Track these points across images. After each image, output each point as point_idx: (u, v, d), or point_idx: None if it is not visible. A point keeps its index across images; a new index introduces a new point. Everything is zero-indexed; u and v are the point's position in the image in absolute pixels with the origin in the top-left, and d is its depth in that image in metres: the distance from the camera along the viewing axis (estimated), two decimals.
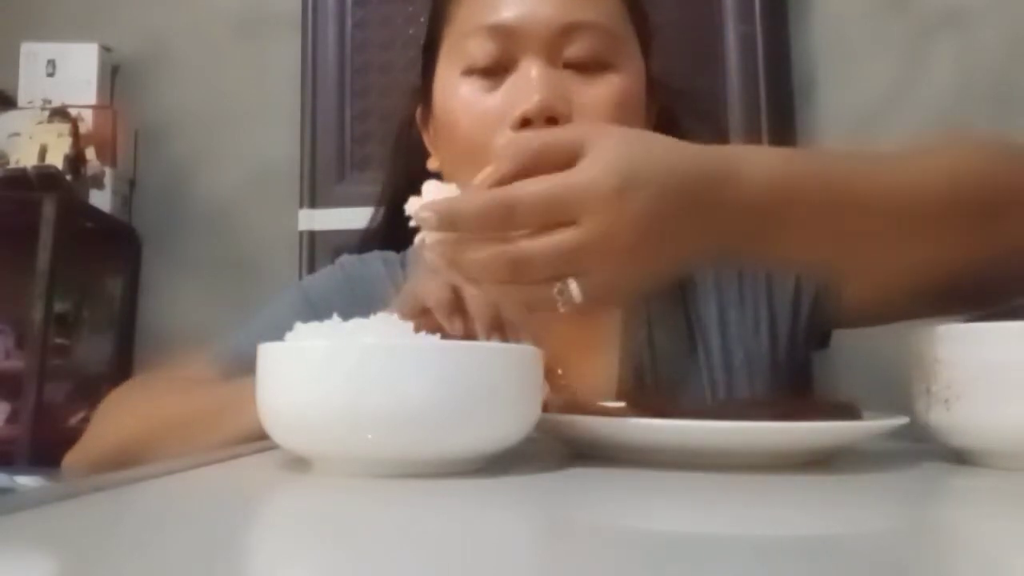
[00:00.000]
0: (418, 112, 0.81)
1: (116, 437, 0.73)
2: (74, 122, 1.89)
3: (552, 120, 0.65)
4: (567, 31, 0.69)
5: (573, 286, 0.47)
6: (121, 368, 1.97)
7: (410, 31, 1.83)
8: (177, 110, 2.06)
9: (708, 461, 0.48)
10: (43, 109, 1.92)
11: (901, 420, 0.52)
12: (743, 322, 0.76)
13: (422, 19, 1.81)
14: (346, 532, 0.35)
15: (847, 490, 0.46)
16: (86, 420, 1.85)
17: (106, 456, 0.71)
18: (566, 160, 0.47)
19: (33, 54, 2.01)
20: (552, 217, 0.46)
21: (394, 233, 0.85)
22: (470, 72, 0.71)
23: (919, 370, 0.52)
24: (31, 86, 1.99)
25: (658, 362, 0.76)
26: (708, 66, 1.68)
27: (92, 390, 1.89)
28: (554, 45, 0.69)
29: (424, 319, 0.54)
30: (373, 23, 1.83)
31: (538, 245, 0.46)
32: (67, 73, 2.00)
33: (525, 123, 0.66)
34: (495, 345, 0.53)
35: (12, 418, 1.76)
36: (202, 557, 0.29)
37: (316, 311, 0.63)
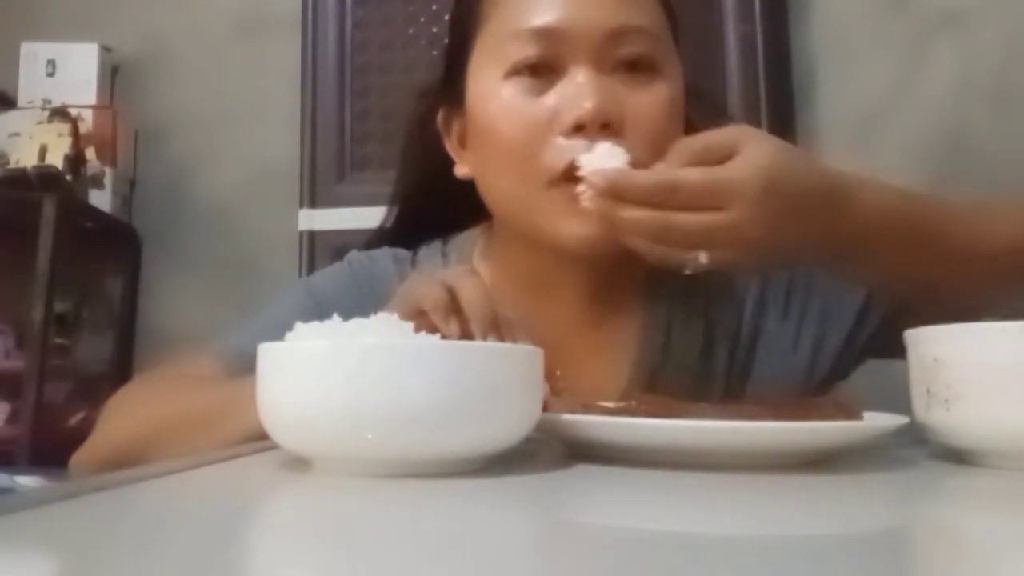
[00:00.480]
0: (440, 115, 0.78)
1: (121, 436, 0.72)
2: (74, 122, 1.89)
3: (605, 126, 0.65)
4: (616, 35, 0.68)
5: (703, 256, 0.58)
6: (121, 368, 1.97)
7: (410, 31, 1.83)
8: (177, 110, 2.06)
9: (708, 461, 0.48)
10: (43, 109, 1.92)
11: (901, 420, 0.52)
12: (781, 335, 0.77)
13: (422, 19, 1.83)
14: (346, 532, 0.35)
15: (847, 490, 0.46)
16: (86, 420, 1.86)
17: (112, 455, 0.71)
18: (721, 157, 0.58)
19: (33, 54, 2.01)
20: (705, 202, 0.57)
21: (406, 234, 0.84)
22: (513, 75, 0.69)
23: (919, 370, 0.52)
24: (31, 86, 1.99)
25: (671, 367, 0.75)
26: (708, 66, 1.68)
27: (92, 390, 1.89)
28: (603, 49, 0.68)
29: (421, 321, 0.54)
30: (373, 23, 1.83)
31: (689, 219, 0.57)
32: (67, 73, 2.00)
33: (578, 129, 0.65)
34: (495, 345, 0.53)
35: (12, 418, 1.76)
36: (202, 557, 0.29)
37: (321, 310, 0.65)
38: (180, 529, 0.35)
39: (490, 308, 0.56)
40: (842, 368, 0.78)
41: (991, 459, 0.50)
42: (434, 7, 1.83)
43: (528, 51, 0.68)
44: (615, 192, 0.58)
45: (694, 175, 0.57)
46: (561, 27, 0.68)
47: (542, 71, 0.68)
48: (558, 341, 0.70)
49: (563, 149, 0.66)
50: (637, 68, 0.69)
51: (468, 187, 0.76)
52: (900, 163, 1.61)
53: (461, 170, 0.77)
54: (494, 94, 0.70)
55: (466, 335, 0.55)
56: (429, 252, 0.82)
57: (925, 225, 0.62)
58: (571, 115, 0.66)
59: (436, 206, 0.83)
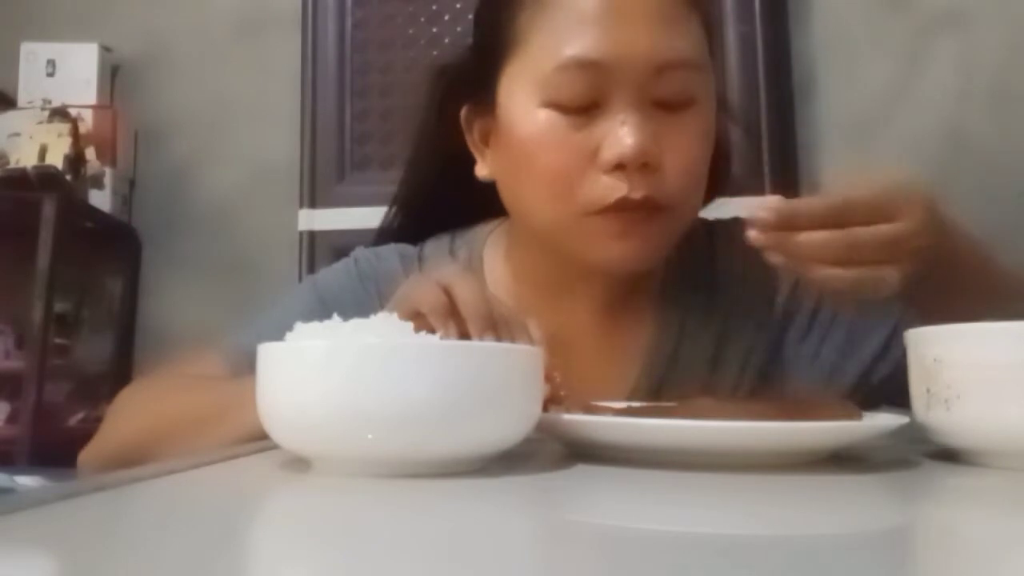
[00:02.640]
0: (464, 112, 0.77)
1: (126, 434, 0.73)
2: (74, 122, 1.89)
3: (645, 165, 0.66)
4: (660, 70, 0.67)
5: (892, 274, 0.57)
6: (121, 368, 1.97)
7: (410, 31, 1.83)
8: (177, 110, 2.06)
9: (708, 461, 0.48)
10: (43, 109, 1.92)
11: (901, 420, 0.52)
12: (799, 355, 0.77)
13: (422, 19, 1.83)
14: (346, 532, 0.35)
15: (847, 490, 0.46)
16: (86, 420, 1.87)
17: (117, 452, 0.71)
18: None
19: (33, 54, 2.01)
20: (879, 215, 0.57)
21: (414, 228, 0.84)
22: (551, 106, 0.68)
23: (919, 370, 0.52)
24: (31, 86, 1.99)
25: (678, 376, 0.75)
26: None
27: (92, 390, 1.89)
28: (645, 84, 0.67)
29: (419, 322, 0.53)
30: (373, 23, 1.83)
31: (874, 231, 0.56)
32: (67, 73, 2.00)
33: (618, 167, 0.66)
34: (495, 345, 0.53)
35: (12, 418, 1.76)
36: (202, 557, 0.29)
37: (326, 308, 0.67)
38: (180, 529, 0.35)
39: (487, 308, 0.56)
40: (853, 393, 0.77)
41: (991, 459, 0.50)
42: (434, 7, 1.83)
43: (570, 86, 0.67)
44: (786, 222, 0.56)
45: (865, 194, 0.58)
46: (607, 61, 0.66)
47: (581, 103, 0.67)
48: (569, 343, 0.73)
49: (605, 187, 0.66)
50: (676, 102, 0.68)
51: (480, 184, 0.76)
52: (900, 163, 1.61)
53: (483, 170, 0.77)
54: (530, 119, 0.69)
55: (463, 337, 0.55)
56: (437, 248, 0.82)
57: (987, 271, 0.65)
58: (613, 154, 0.66)
59: (446, 195, 0.82)
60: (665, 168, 0.67)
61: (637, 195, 0.65)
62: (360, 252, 0.83)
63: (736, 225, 0.79)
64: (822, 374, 0.76)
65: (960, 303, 0.61)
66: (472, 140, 0.77)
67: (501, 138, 0.73)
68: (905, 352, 0.74)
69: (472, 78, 0.76)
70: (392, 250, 0.82)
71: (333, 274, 0.82)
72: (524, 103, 0.69)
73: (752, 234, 0.57)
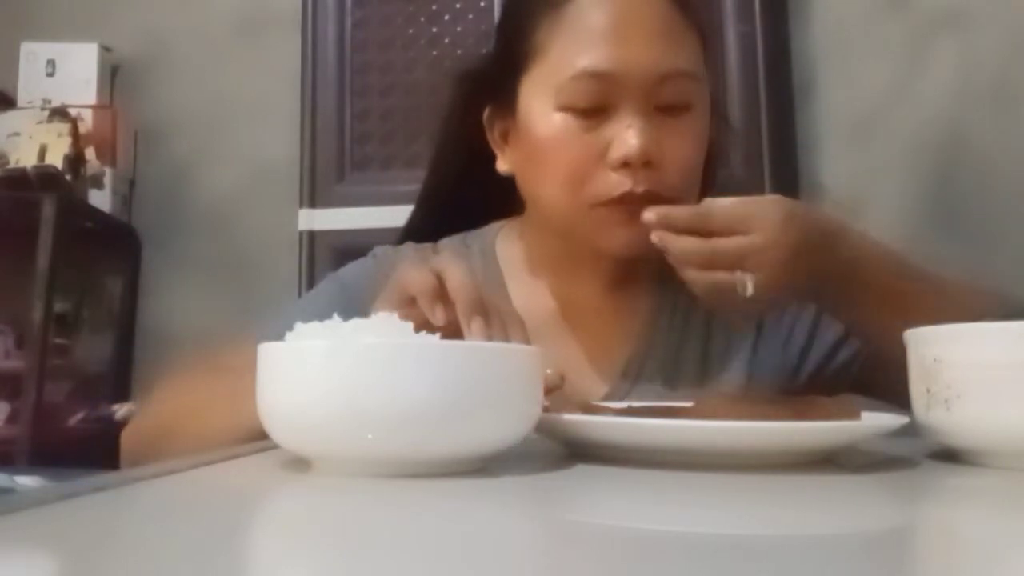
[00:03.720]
0: (486, 112, 0.85)
1: (163, 415, 0.77)
2: (74, 122, 1.89)
3: (647, 163, 0.74)
4: (662, 80, 0.75)
5: (749, 280, 0.65)
6: (121, 368, 1.97)
7: (410, 31, 1.83)
8: (177, 110, 2.06)
9: (708, 461, 0.48)
10: (43, 109, 1.92)
11: (901, 420, 0.52)
12: (778, 333, 0.84)
13: (422, 19, 1.83)
14: (346, 532, 0.35)
15: (847, 490, 0.46)
16: (86, 420, 1.86)
17: (155, 433, 0.75)
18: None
19: (33, 54, 2.01)
20: (736, 226, 0.66)
21: (435, 229, 0.90)
22: (566, 110, 0.76)
23: (919, 370, 0.52)
24: (31, 86, 1.99)
25: (676, 344, 0.83)
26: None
27: (92, 390, 1.89)
28: (649, 92, 0.75)
29: (411, 310, 0.56)
30: (373, 23, 1.83)
31: (727, 242, 0.66)
32: (67, 73, 2.00)
33: (624, 165, 0.74)
34: (495, 345, 0.53)
35: (12, 418, 1.76)
36: (202, 557, 0.29)
37: (349, 295, 0.78)
38: (180, 529, 0.35)
39: (477, 293, 0.58)
40: (820, 384, 0.83)
41: (991, 459, 0.50)
42: (434, 7, 1.83)
43: (583, 93, 0.75)
44: (665, 223, 0.68)
45: (724, 203, 0.67)
46: (616, 73, 0.75)
47: (592, 108, 0.76)
48: (575, 316, 0.83)
49: (612, 182, 0.75)
50: (674, 107, 0.77)
51: (499, 179, 0.84)
52: (900, 163, 1.61)
53: (503, 166, 0.85)
54: (547, 121, 0.77)
55: (452, 321, 0.56)
56: (451, 242, 0.89)
57: (897, 283, 0.70)
58: (620, 153, 0.74)
59: (466, 194, 0.90)
60: (665, 165, 0.75)
61: (640, 189, 0.74)
62: (378, 248, 0.89)
63: None
64: (795, 357, 0.83)
65: (870, 310, 0.70)
66: (493, 138, 0.86)
67: (520, 137, 0.81)
68: (857, 350, 0.80)
69: (494, 83, 0.85)
70: (408, 245, 0.89)
71: (354, 266, 0.88)
72: (542, 107, 0.78)
73: (652, 234, 0.68)
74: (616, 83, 0.75)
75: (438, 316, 0.56)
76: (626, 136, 0.74)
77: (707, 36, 0.82)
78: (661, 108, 0.76)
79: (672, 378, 0.81)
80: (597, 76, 0.75)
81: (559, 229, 0.81)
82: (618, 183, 0.74)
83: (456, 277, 0.58)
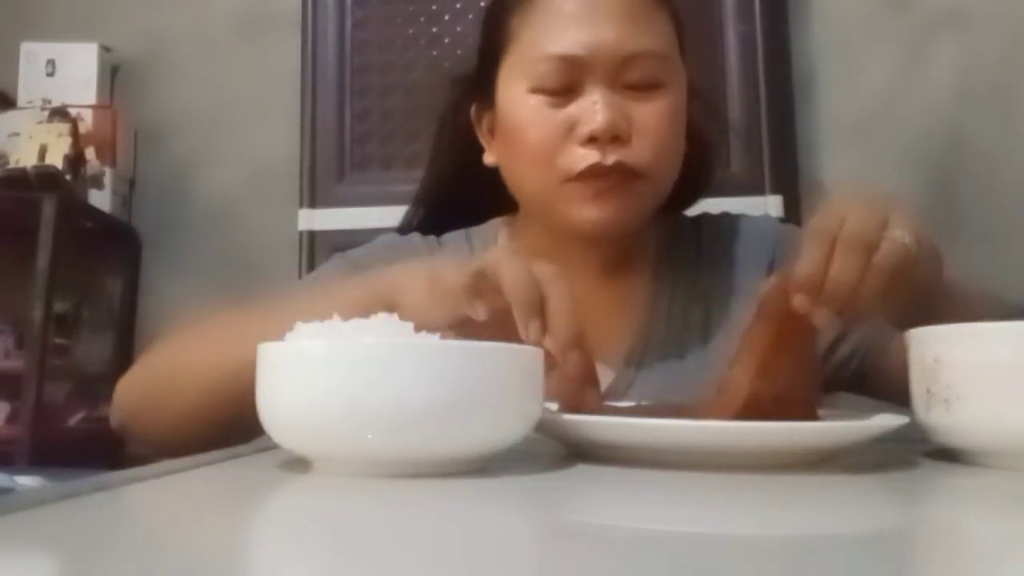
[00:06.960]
0: (473, 108, 0.88)
1: (157, 365, 0.78)
2: (74, 122, 1.89)
3: (615, 138, 0.76)
4: (628, 60, 0.78)
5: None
6: (121, 368, 1.95)
7: (410, 31, 1.83)
8: (177, 110, 2.06)
9: (708, 461, 0.48)
10: (43, 109, 1.92)
11: (901, 420, 0.52)
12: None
13: (422, 19, 1.83)
14: (346, 532, 0.35)
15: (847, 490, 0.46)
16: (86, 420, 1.86)
17: (151, 381, 0.76)
18: None
19: (33, 54, 2.01)
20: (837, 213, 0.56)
21: (431, 227, 0.92)
22: (537, 91, 0.79)
23: (919, 370, 0.52)
24: (31, 86, 1.99)
25: (673, 334, 0.83)
26: (708, 66, 1.68)
27: (92, 390, 1.89)
28: (615, 72, 0.78)
29: (462, 328, 0.54)
30: (373, 23, 1.83)
31: (847, 228, 0.55)
32: (67, 73, 2.00)
33: (591, 140, 0.76)
34: (495, 345, 0.53)
35: (12, 418, 1.76)
36: (202, 557, 0.29)
37: (360, 271, 0.78)
38: (180, 529, 0.35)
39: (536, 293, 0.55)
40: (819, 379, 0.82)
41: (991, 459, 0.50)
42: (434, 7, 1.83)
43: (552, 75, 0.78)
44: (813, 282, 0.54)
45: (827, 209, 0.57)
46: (582, 55, 0.77)
47: (563, 90, 0.79)
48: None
49: (580, 156, 0.77)
50: (644, 85, 0.79)
51: (493, 177, 0.86)
52: (900, 163, 1.61)
53: (489, 158, 0.87)
54: (521, 103, 0.80)
55: (497, 311, 0.55)
56: (454, 237, 0.91)
57: (942, 289, 0.64)
58: (587, 128, 0.77)
59: (462, 193, 0.92)
60: (636, 140, 0.77)
61: (609, 161, 0.76)
62: (384, 236, 0.92)
63: (722, 219, 0.93)
64: None
65: (911, 312, 0.61)
66: (481, 132, 0.89)
67: (499, 125, 0.84)
68: (860, 336, 0.80)
69: (477, 78, 0.88)
70: (414, 235, 0.91)
71: (363, 249, 0.90)
72: (516, 91, 0.81)
73: (812, 316, 0.54)
74: (582, 64, 0.77)
75: (531, 333, 0.53)
76: (592, 112, 0.76)
77: (680, 19, 0.84)
78: (629, 86, 0.78)
79: (676, 365, 0.82)
80: (564, 59, 0.78)
81: (536, 210, 0.83)
82: (585, 156, 0.76)
83: (512, 274, 0.55)
